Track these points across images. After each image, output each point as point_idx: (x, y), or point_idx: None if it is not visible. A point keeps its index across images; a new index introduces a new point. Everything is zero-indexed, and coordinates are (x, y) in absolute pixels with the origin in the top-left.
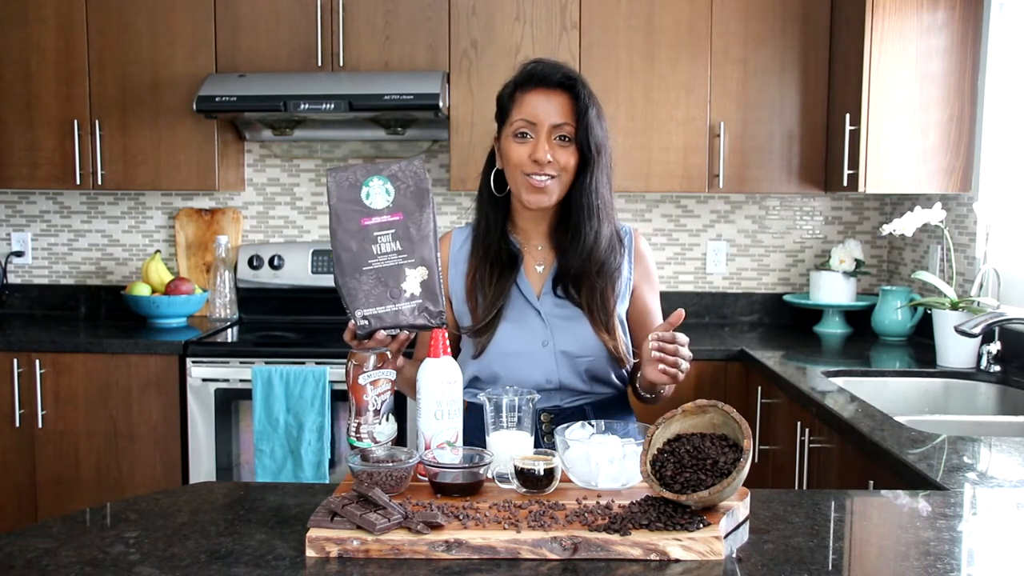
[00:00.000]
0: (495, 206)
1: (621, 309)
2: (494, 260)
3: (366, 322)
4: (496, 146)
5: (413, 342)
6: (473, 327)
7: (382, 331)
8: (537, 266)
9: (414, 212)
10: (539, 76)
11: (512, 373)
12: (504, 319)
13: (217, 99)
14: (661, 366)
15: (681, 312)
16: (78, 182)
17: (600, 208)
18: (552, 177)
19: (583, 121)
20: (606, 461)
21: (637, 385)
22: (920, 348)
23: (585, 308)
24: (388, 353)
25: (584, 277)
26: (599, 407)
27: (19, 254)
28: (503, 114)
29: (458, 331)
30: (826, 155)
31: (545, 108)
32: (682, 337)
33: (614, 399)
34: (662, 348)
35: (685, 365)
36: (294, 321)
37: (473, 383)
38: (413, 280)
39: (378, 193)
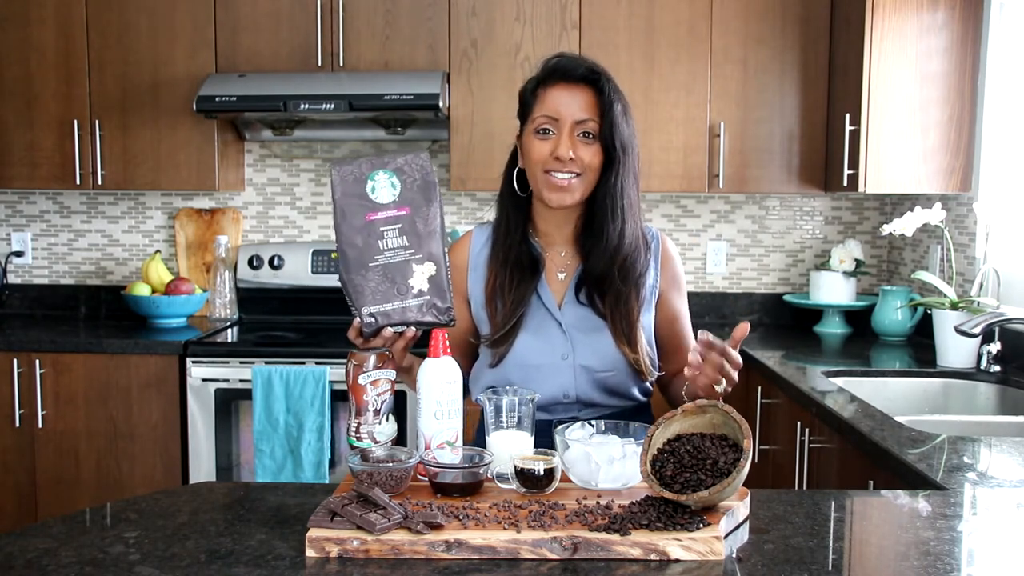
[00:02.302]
0: (516, 207)
1: (647, 318)
2: (515, 265)
3: (372, 320)
4: (518, 144)
5: (424, 341)
6: (491, 336)
7: (389, 328)
8: (559, 273)
9: (421, 206)
10: (562, 70)
11: (529, 385)
12: (523, 329)
13: (217, 99)
14: (700, 376)
15: (746, 326)
16: (78, 182)
17: (625, 209)
18: (576, 175)
19: (608, 117)
20: (606, 461)
21: (684, 392)
22: (920, 348)
23: (608, 318)
24: (389, 353)
25: (608, 282)
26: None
27: (19, 254)
28: (525, 110)
29: (476, 339)
30: (826, 155)
31: (568, 103)
32: (734, 356)
33: (635, 411)
34: (704, 356)
35: (733, 377)
36: (294, 321)
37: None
38: (420, 276)
39: (384, 187)
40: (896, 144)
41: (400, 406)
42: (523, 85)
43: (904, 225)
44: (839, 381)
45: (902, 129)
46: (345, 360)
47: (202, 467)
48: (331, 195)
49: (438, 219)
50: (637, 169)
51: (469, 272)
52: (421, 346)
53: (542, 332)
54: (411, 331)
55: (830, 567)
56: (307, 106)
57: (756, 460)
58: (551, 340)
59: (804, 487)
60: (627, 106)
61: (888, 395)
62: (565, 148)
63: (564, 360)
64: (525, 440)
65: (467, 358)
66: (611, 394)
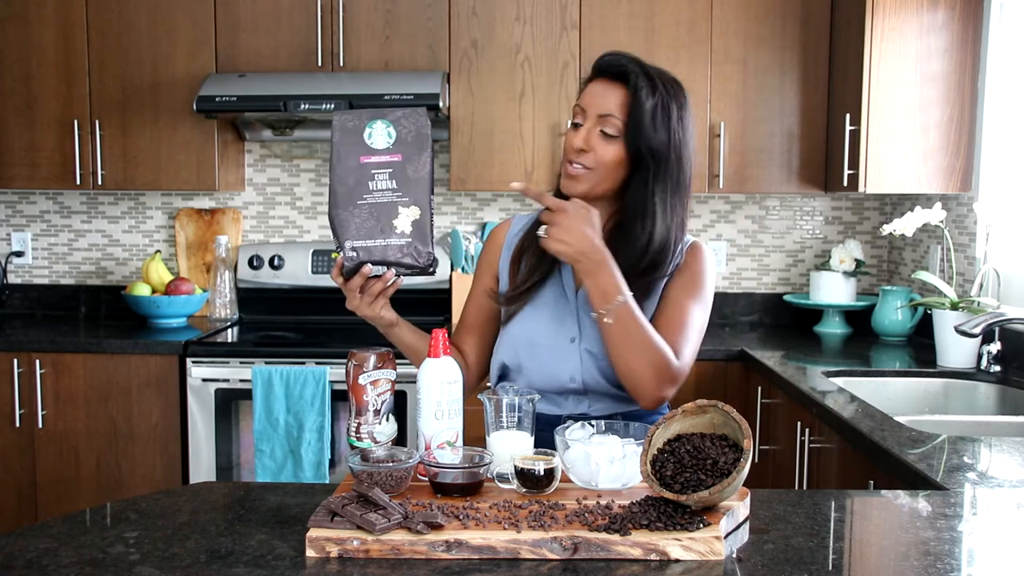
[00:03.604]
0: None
1: (648, 307)
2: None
3: (354, 254)
4: None
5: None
6: (509, 292)
7: (369, 265)
8: None
9: (413, 155)
10: (601, 67)
11: (538, 366)
12: (538, 306)
13: (217, 99)
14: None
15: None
16: (78, 182)
17: (656, 214)
18: (586, 168)
19: (633, 117)
20: (606, 461)
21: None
22: (920, 348)
23: None
24: (389, 352)
25: (631, 278)
26: (629, 419)
27: (19, 254)
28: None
29: (494, 297)
30: (826, 155)
31: (598, 97)
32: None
33: (646, 412)
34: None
35: (555, 241)
36: (294, 321)
37: (500, 373)
38: (405, 219)
39: (380, 135)
40: (896, 144)
41: (400, 406)
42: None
43: (904, 225)
44: (839, 381)
45: (902, 129)
46: (345, 360)
47: (202, 467)
48: (330, 140)
49: (428, 168)
50: (680, 176)
51: (504, 249)
52: (414, 315)
53: (555, 312)
54: (390, 273)
55: (830, 567)
56: (307, 106)
57: (756, 460)
58: (562, 321)
59: (804, 487)
60: (670, 108)
61: (888, 395)
62: (579, 138)
63: (572, 343)
64: (525, 440)
65: (483, 340)
66: (617, 386)
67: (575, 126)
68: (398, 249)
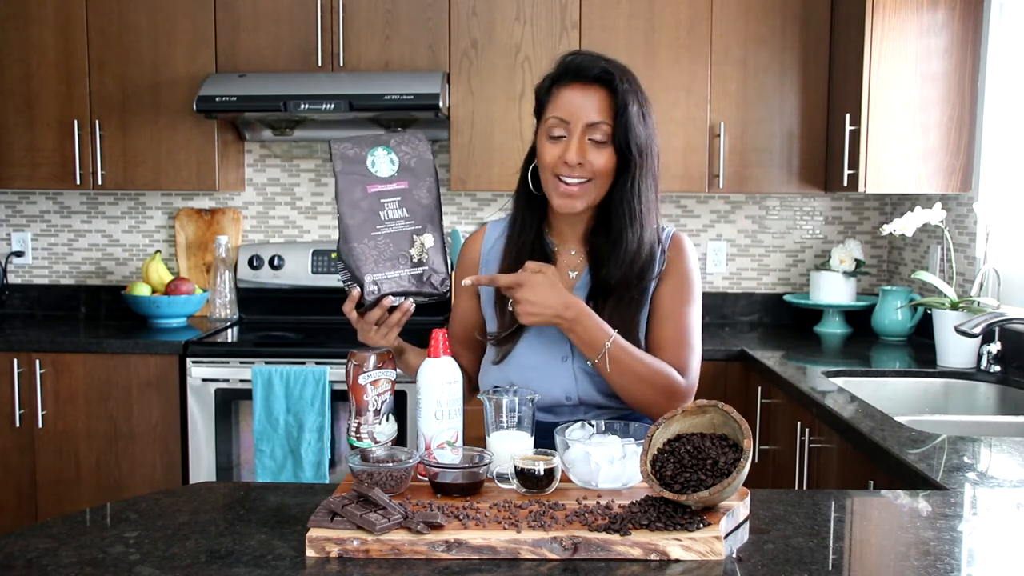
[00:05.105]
0: (532, 204)
1: (642, 316)
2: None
3: (375, 287)
4: (535, 142)
5: (423, 341)
6: (497, 336)
7: (389, 297)
8: (570, 272)
9: (418, 181)
10: (576, 69)
11: (531, 387)
12: (527, 329)
13: (217, 99)
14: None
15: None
16: (78, 182)
17: (644, 214)
18: (584, 181)
19: (621, 119)
20: (606, 461)
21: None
22: (920, 348)
23: (607, 322)
24: (389, 352)
25: (620, 289)
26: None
27: (19, 254)
28: (540, 110)
29: (482, 335)
30: (826, 155)
31: (580, 104)
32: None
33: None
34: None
35: (526, 315)
36: (294, 321)
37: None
38: (419, 247)
39: (383, 162)
40: (896, 144)
41: (400, 406)
42: (539, 82)
43: (904, 225)
44: (839, 381)
45: (902, 129)
46: (345, 360)
47: (202, 467)
48: (332, 169)
49: (435, 193)
50: (656, 170)
51: (480, 267)
52: (413, 315)
53: (544, 332)
54: (407, 303)
55: (830, 567)
56: (307, 106)
57: (756, 460)
58: (551, 341)
59: (804, 487)
60: (646, 104)
61: (888, 395)
62: (573, 153)
63: (564, 361)
64: (525, 440)
65: (474, 352)
66: (613, 396)
67: (555, 135)
68: (416, 279)
